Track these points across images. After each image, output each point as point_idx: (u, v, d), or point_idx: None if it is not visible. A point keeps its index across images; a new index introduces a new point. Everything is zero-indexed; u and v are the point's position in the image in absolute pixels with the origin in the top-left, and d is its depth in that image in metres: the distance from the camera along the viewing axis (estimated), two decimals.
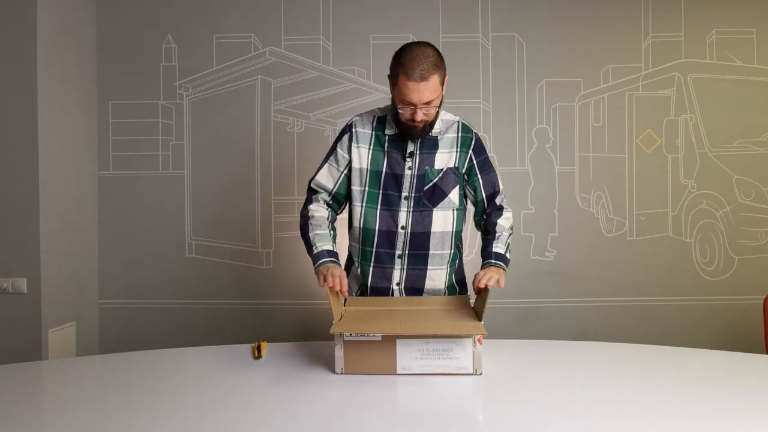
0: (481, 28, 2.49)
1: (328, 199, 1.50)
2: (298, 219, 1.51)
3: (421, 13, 2.49)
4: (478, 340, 1.17)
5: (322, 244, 1.41)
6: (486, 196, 1.48)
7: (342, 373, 1.18)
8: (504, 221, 1.47)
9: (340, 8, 2.49)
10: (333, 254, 1.40)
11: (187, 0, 2.49)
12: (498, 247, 1.42)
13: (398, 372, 1.17)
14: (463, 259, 1.61)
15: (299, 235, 1.48)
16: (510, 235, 1.47)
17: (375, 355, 1.17)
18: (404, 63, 1.29)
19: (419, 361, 1.17)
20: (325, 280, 1.31)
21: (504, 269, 1.39)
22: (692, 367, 1.27)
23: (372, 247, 1.46)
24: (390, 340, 1.17)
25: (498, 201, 1.50)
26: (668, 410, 0.98)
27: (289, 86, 2.50)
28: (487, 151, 1.51)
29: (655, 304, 2.48)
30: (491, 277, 1.32)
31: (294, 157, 2.52)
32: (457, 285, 1.55)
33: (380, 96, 2.48)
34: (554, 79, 2.49)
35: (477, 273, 1.36)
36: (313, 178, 1.51)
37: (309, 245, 1.43)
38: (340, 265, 1.39)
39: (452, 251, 1.49)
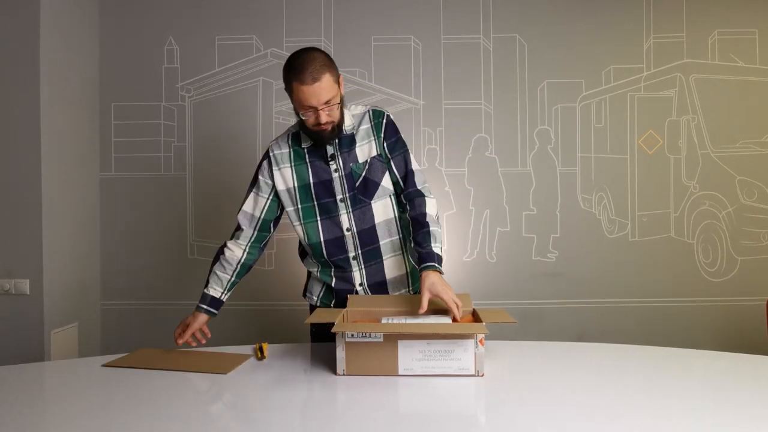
0: (482, 30, 2.49)
1: (251, 234, 1.51)
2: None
3: (422, 14, 2.49)
4: (480, 341, 1.17)
5: (211, 288, 1.48)
6: (400, 177, 1.46)
7: (344, 375, 1.18)
8: (431, 209, 1.44)
9: (341, 10, 2.49)
10: (214, 303, 1.47)
11: (189, 2, 2.50)
12: (435, 246, 1.38)
13: (400, 373, 1.18)
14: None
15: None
16: (439, 226, 1.44)
17: (377, 357, 1.18)
18: (294, 70, 1.30)
19: (421, 362, 1.18)
20: (179, 335, 1.45)
21: (441, 272, 1.35)
22: (695, 369, 1.26)
23: (325, 257, 1.48)
24: (392, 342, 1.17)
25: (418, 183, 1.46)
26: (671, 412, 0.98)
27: None
28: (400, 131, 1.49)
29: (657, 306, 2.47)
30: (450, 299, 1.28)
31: None
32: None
33: (382, 97, 2.48)
34: (556, 80, 2.49)
35: (427, 288, 1.30)
36: (240, 209, 1.52)
37: (206, 280, 1.50)
38: (214, 314, 1.48)
39: (400, 235, 1.49)
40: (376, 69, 2.49)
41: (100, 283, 2.50)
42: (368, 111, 1.47)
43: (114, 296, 2.50)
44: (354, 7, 2.49)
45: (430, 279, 1.30)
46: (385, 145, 1.45)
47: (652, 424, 0.93)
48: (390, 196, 1.47)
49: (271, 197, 1.49)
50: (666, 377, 1.19)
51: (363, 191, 1.43)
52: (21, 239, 2.08)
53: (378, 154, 1.44)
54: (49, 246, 2.12)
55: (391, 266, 1.49)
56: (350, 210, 1.44)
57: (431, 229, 1.39)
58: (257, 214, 1.50)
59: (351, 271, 1.47)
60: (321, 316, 1.30)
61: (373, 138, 1.45)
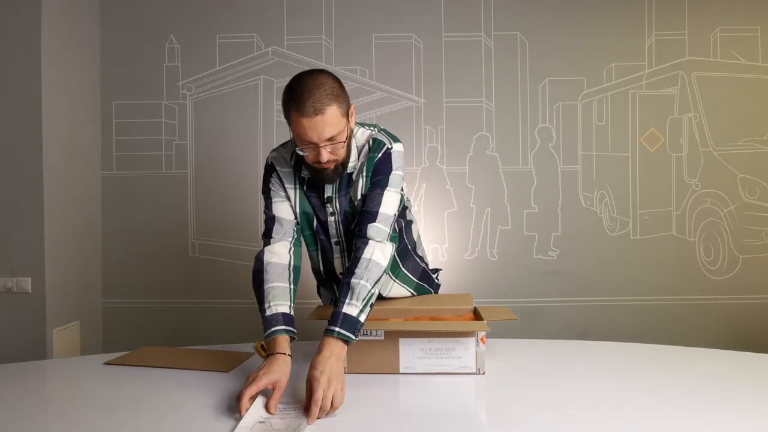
0: (483, 27, 2.49)
1: (287, 235, 1.26)
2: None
3: (423, 12, 2.48)
4: (481, 339, 1.17)
5: (276, 306, 1.15)
6: (361, 211, 1.22)
7: (345, 373, 1.18)
8: (373, 253, 1.16)
9: (342, 8, 2.49)
10: (289, 320, 1.14)
11: (190, 0, 2.49)
12: (350, 304, 1.09)
13: (401, 371, 1.17)
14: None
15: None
16: (377, 280, 1.14)
17: (378, 355, 1.17)
18: (294, 96, 1.09)
19: (422, 360, 1.17)
20: (252, 381, 0.99)
21: (347, 342, 1.06)
22: (696, 367, 1.26)
23: (321, 276, 1.42)
24: (393, 340, 1.17)
25: (372, 229, 1.18)
26: (672, 410, 0.98)
27: None
28: (396, 168, 1.23)
29: (658, 304, 2.47)
30: (318, 398, 0.94)
31: None
32: (423, 281, 1.47)
33: (382, 95, 2.48)
34: (557, 78, 2.48)
35: (310, 376, 0.99)
36: (264, 225, 1.29)
37: (260, 300, 1.19)
38: (295, 334, 1.13)
39: (389, 262, 1.23)
40: (377, 67, 2.49)
41: (102, 281, 2.50)
42: (368, 142, 1.23)
43: (116, 295, 2.51)
44: (355, 5, 2.49)
45: (319, 361, 1.00)
46: (369, 180, 1.23)
47: (653, 421, 0.93)
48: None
49: (289, 203, 1.30)
50: (667, 375, 1.18)
51: (357, 231, 1.23)
52: (23, 237, 2.09)
53: (364, 195, 1.24)
54: (51, 244, 2.12)
55: (396, 291, 1.41)
56: (345, 254, 1.31)
57: (352, 281, 1.11)
58: (283, 216, 1.27)
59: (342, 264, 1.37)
60: (323, 313, 1.30)
61: (363, 174, 1.23)
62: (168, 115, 2.51)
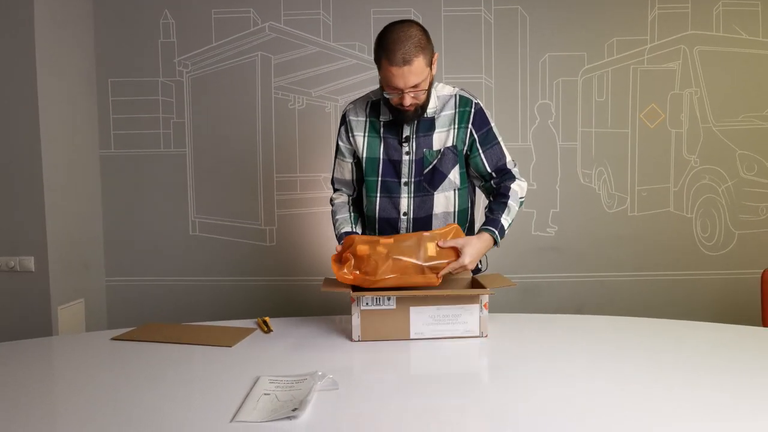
0: (483, 2, 2.45)
1: (351, 192, 1.54)
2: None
3: None
4: (485, 305, 1.26)
5: (341, 228, 1.47)
6: (492, 170, 1.43)
7: (359, 341, 1.25)
8: (517, 187, 1.43)
9: None
10: (349, 232, 1.44)
11: None
12: (505, 219, 1.38)
13: (411, 337, 1.26)
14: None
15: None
16: (520, 205, 1.43)
17: (390, 323, 1.25)
18: (386, 46, 1.25)
19: (431, 326, 1.25)
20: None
21: (494, 243, 1.36)
22: (690, 340, 1.29)
23: (375, 232, 1.49)
24: (404, 308, 1.25)
25: (512, 169, 1.44)
26: (666, 380, 1.01)
27: (289, 62, 2.48)
28: (491, 120, 1.44)
29: (654, 279, 2.50)
30: (456, 264, 1.28)
31: (295, 134, 2.51)
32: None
33: None
34: (557, 53, 2.46)
35: (461, 242, 1.29)
36: (332, 176, 1.56)
37: (335, 231, 1.50)
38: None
39: (456, 210, 1.47)
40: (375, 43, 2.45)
41: (104, 259, 2.52)
42: (455, 95, 1.41)
43: (118, 273, 2.53)
44: None
45: (473, 240, 1.30)
46: (476, 137, 1.40)
47: (645, 389, 0.96)
48: (455, 189, 1.43)
49: (354, 161, 1.48)
50: (662, 347, 1.22)
51: (429, 180, 1.40)
52: (24, 217, 2.10)
53: (453, 146, 1.39)
54: (52, 223, 2.13)
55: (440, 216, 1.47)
56: (412, 195, 1.42)
57: (509, 202, 1.38)
58: (347, 177, 1.51)
59: (399, 199, 1.44)
60: (334, 284, 1.31)
61: (453, 127, 1.39)
62: (165, 93, 2.49)
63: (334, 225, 1.51)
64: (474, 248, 1.29)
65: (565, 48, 2.46)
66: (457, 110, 1.40)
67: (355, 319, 1.25)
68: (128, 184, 2.51)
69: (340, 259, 1.30)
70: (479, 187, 1.53)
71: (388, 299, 1.24)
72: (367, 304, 1.24)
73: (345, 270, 1.26)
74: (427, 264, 1.27)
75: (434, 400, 0.95)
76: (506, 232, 1.39)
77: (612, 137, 2.48)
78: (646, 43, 2.44)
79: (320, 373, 0.99)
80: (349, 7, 2.45)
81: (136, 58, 2.47)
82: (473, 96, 1.43)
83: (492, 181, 1.45)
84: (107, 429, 0.84)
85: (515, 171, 1.45)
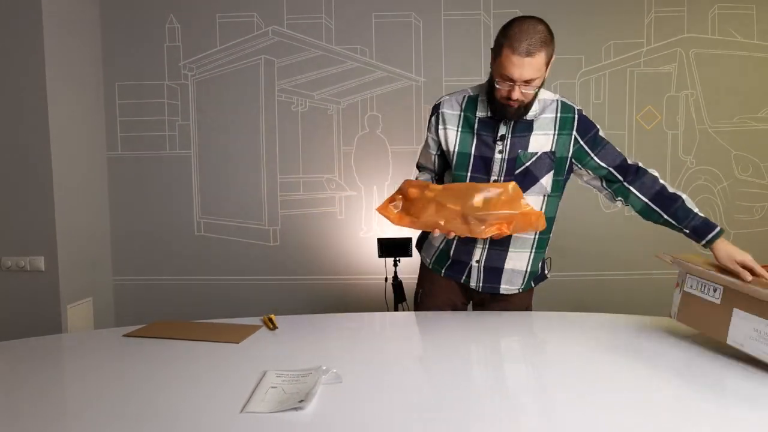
0: (482, 5, 2.49)
1: (433, 176, 1.52)
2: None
3: None
4: None
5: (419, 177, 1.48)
6: (613, 168, 1.37)
7: (674, 318, 1.21)
8: (657, 173, 1.39)
9: None
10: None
11: None
12: (700, 212, 1.34)
13: (728, 343, 1.08)
14: None
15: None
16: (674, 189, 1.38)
17: (711, 317, 1.12)
18: (511, 35, 1.23)
19: (755, 342, 1.03)
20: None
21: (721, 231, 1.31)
22: (686, 336, 1.33)
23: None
24: (727, 307, 1.09)
25: (637, 164, 1.39)
26: (660, 374, 1.05)
27: (292, 65, 2.52)
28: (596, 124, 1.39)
29: (650, 278, 2.54)
30: (749, 265, 1.18)
31: (298, 136, 2.55)
32: (540, 268, 1.51)
33: (383, 75, 2.50)
34: (556, 56, 2.48)
35: (736, 258, 1.20)
36: (417, 162, 1.56)
37: None
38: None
39: (537, 236, 1.43)
40: (376, 46, 2.50)
41: (112, 259, 2.57)
42: (557, 101, 1.38)
43: (125, 272, 2.58)
44: None
45: (729, 248, 1.24)
46: (582, 143, 1.35)
47: (643, 385, 1.00)
48: (545, 195, 1.38)
49: (437, 154, 1.45)
50: (659, 344, 1.25)
51: (520, 181, 1.32)
52: (34, 218, 2.15)
53: (551, 152, 1.34)
54: (61, 224, 2.18)
55: (514, 258, 1.42)
56: None
57: (685, 197, 1.34)
58: (430, 166, 1.50)
59: (474, 246, 1.41)
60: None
61: (553, 132, 1.35)
62: (170, 96, 2.54)
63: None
64: (737, 252, 1.24)
65: (562, 51, 2.48)
66: (558, 115, 1.36)
67: (676, 297, 1.19)
68: (135, 185, 2.56)
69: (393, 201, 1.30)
70: (606, 195, 1.46)
71: (714, 290, 1.12)
72: (691, 286, 1.15)
73: (391, 206, 1.25)
74: (474, 214, 1.22)
75: (436, 396, 0.99)
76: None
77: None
78: (642, 46, 2.48)
79: (324, 368, 1.03)
80: (351, 12, 2.49)
81: (142, 61, 2.51)
82: (574, 104, 1.40)
83: (624, 182, 1.38)
84: (121, 421, 0.88)
85: (637, 162, 1.39)
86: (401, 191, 1.31)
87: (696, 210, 1.32)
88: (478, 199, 1.23)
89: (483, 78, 2.52)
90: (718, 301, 1.10)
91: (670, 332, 1.28)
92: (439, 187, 1.29)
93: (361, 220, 2.58)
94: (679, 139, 2.50)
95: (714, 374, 1.05)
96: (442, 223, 1.25)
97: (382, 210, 1.30)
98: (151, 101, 2.54)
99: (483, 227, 1.24)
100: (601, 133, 1.39)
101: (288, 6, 2.49)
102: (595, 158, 1.37)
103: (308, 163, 2.56)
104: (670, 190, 1.35)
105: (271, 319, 1.43)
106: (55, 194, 2.15)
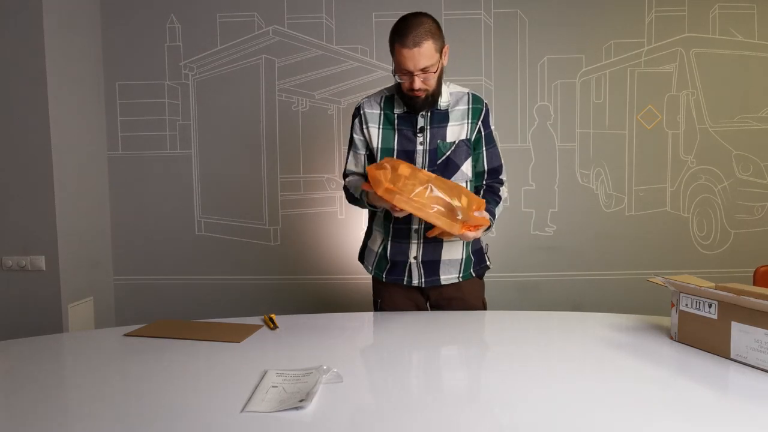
0: (483, 5, 2.49)
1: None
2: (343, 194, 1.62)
3: None
4: None
5: (357, 183, 1.51)
6: (488, 169, 1.51)
7: (675, 340, 1.20)
8: (505, 193, 1.55)
9: None
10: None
11: None
12: (497, 209, 1.48)
13: (732, 357, 1.08)
14: None
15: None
16: (503, 207, 1.54)
17: (710, 334, 1.12)
18: (398, 31, 1.34)
19: (757, 353, 1.03)
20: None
21: (489, 225, 1.41)
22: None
23: (390, 221, 1.50)
24: (725, 322, 1.09)
25: (502, 177, 1.54)
26: (658, 373, 1.06)
27: (292, 65, 2.52)
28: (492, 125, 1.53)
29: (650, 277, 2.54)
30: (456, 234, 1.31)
31: (299, 136, 2.56)
32: (473, 255, 1.55)
33: (384, 74, 2.50)
34: (556, 56, 2.50)
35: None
36: (345, 168, 1.59)
37: (352, 197, 1.53)
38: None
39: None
40: (377, 46, 2.50)
41: (113, 258, 2.58)
42: (468, 93, 1.49)
43: (126, 272, 2.59)
44: None
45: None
46: (482, 134, 1.48)
47: (640, 384, 1.00)
48: (467, 181, 1.48)
49: (367, 153, 1.52)
50: (658, 343, 1.26)
51: (442, 170, 1.44)
52: (35, 217, 2.15)
53: (467, 139, 1.46)
54: (62, 223, 2.19)
55: (449, 249, 1.50)
56: None
57: (501, 203, 1.49)
58: (361, 169, 1.54)
59: (409, 243, 1.48)
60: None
61: (467, 121, 1.46)
62: (171, 95, 2.54)
63: (349, 194, 1.54)
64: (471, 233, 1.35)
65: (563, 51, 2.50)
66: (470, 106, 1.47)
67: (674, 317, 1.20)
68: (135, 185, 2.56)
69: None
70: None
71: (709, 306, 1.11)
72: (686, 305, 1.16)
73: (380, 172, 1.25)
74: (458, 211, 1.26)
75: (435, 394, 0.99)
76: (493, 225, 1.46)
77: (610, 138, 2.52)
78: (643, 45, 2.48)
79: (325, 367, 1.03)
80: (352, 11, 2.49)
81: (143, 61, 2.52)
82: (483, 98, 1.52)
83: (484, 181, 1.53)
84: (122, 420, 0.88)
85: (504, 177, 1.55)
86: (391, 164, 1.30)
87: (495, 206, 1.47)
88: (464, 202, 1.28)
89: (483, 78, 2.53)
90: (714, 317, 1.10)
91: (670, 332, 1.29)
92: (432, 174, 1.33)
93: (362, 219, 2.59)
94: (679, 138, 2.50)
95: (714, 374, 1.05)
96: (424, 206, 1.26)
97: (372, 170, 1.28)
98: (152, 101, 2.54)
99: (458, 225, 1.27)
100: (493, 133, 1.52)
101: (288, 6, 2.49)
102: (484, 152, 1.50)
103: (309, 163, 2.57)
104: (500, 193, 1.51)
105: (271, 319, 1.43)
106: (55, 194, 2.16)
